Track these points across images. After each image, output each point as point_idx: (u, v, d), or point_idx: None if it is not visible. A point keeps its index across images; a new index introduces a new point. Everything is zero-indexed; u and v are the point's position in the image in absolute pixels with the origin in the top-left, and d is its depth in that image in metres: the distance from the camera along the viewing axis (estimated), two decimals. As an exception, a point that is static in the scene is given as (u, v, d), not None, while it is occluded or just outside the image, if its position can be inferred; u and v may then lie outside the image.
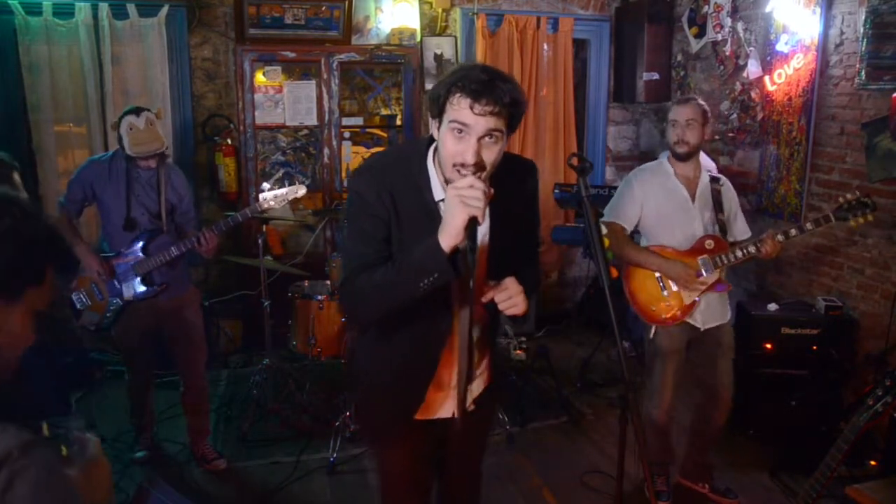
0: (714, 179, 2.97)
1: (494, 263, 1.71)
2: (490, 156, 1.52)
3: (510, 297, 1.60)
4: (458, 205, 1.45)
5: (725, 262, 2.81)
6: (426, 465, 2.01)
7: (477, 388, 1.91)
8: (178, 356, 3.33)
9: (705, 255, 2.82)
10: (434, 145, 1.65)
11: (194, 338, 3.31)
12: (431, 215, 1.63)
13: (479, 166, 1.50)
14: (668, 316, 2.89)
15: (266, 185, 3.36)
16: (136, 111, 3.04)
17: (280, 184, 4.45)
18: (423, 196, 1.65)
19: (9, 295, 1.07)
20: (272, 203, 3.27)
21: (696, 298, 2.86)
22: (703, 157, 4.28)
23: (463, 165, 1.51)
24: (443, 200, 1.59)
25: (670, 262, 2.85)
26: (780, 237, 2.71)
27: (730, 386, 3.00)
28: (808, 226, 2.70)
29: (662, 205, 2.91)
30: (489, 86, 1.46)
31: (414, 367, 1.82)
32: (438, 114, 1.55)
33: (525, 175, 1.82)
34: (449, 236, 1.47)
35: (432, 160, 1.67)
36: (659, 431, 3.05)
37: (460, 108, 1.48)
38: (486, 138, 1.50)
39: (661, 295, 2.90)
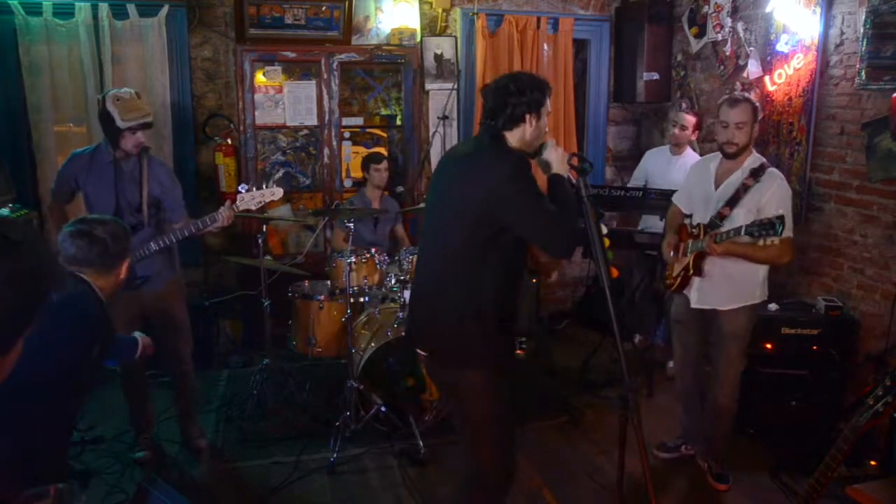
0: (755, 173, 2.94)
1: None
2: None
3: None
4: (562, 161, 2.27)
5: (689, 248, 3.08)
6: None
7: None
8: (164, 345, 3.31)
9: (690, 239, 3.14)
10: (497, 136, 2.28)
11: (179, 326, 3.37)
12: None
13: None
14: (668, 283, 3.27)
15: (244, 187, 3.35)
16: (117, 90, 3.10)
17: (280, 184, 4.44)
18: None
19: (3, 348, 0.99)
20: (251, 205, 3.29)
21: (677, 273, 3.15)
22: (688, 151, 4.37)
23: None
24: None
25: (669, 233, 3.25)
26: (718, 239, 2.89)
27: (727, 374, 3.10)
28: (731, 233, 2.86)
29: (694, 190, 3.20)
30: None
31: (517, 303, 2.31)
32: (537, 110, 2.23)
33: None
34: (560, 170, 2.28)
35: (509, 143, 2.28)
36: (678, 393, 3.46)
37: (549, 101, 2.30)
38: None
39: (672, 262, 3.26)
